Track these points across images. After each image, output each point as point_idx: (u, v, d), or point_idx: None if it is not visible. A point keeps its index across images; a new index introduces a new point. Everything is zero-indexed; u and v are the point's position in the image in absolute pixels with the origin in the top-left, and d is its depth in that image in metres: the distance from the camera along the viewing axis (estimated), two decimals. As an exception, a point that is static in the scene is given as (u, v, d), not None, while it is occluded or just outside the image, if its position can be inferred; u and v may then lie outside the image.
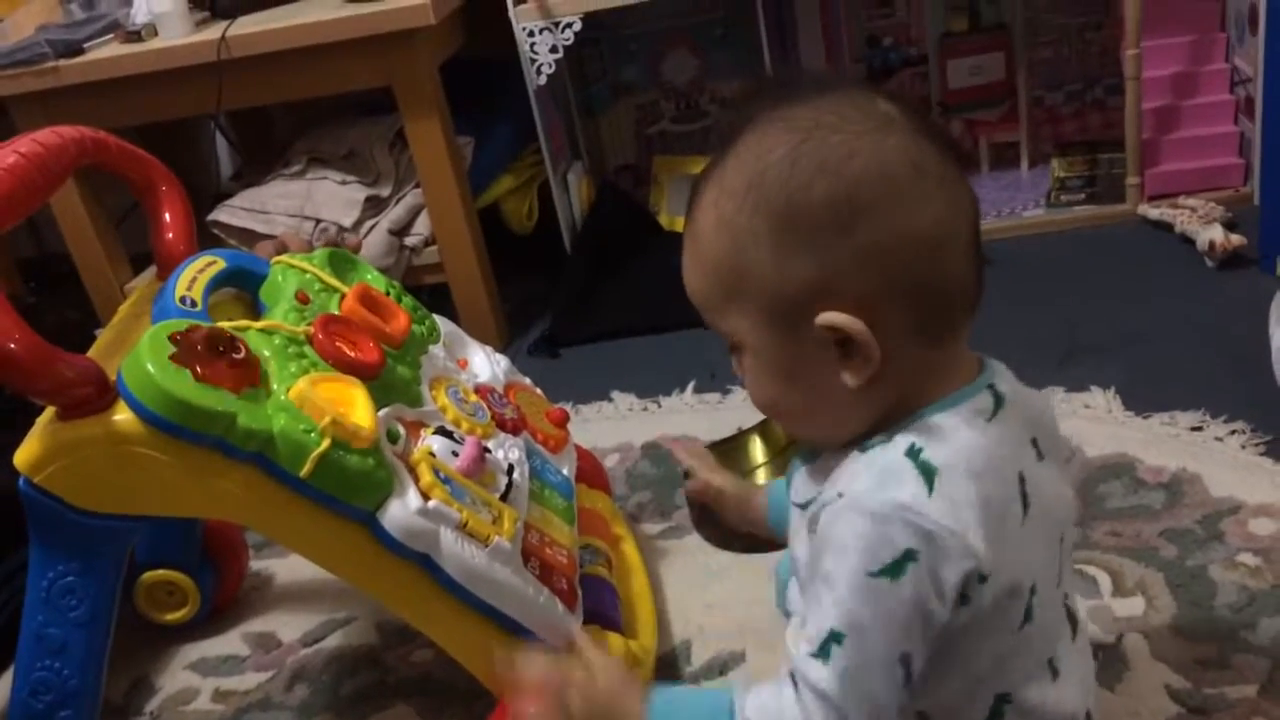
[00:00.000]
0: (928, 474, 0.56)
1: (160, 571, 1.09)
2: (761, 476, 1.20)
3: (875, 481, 0.56)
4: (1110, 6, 1.71)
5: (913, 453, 0.57)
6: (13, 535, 0.93)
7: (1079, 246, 1.57)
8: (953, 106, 1.84)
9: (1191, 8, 1.57)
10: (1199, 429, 1.13)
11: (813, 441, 0.64)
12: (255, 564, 1.21)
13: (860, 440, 0.59)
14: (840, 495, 0.57)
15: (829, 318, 0.56)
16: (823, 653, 0.56)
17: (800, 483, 0.64)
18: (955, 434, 0.58)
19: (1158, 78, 1.56)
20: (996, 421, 0.59)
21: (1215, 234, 1.42)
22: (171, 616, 1.11)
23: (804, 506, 0.62)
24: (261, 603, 1.17)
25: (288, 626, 1.12)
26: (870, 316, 0.56)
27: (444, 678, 1.00)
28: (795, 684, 0.58)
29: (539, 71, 1.58)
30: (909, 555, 0.54)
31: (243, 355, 0.72)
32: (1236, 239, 1.41)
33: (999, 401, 0.60)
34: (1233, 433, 1.11)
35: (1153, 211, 1.56)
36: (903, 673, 0.57)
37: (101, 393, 0.70)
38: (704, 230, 0.59)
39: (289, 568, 1.21)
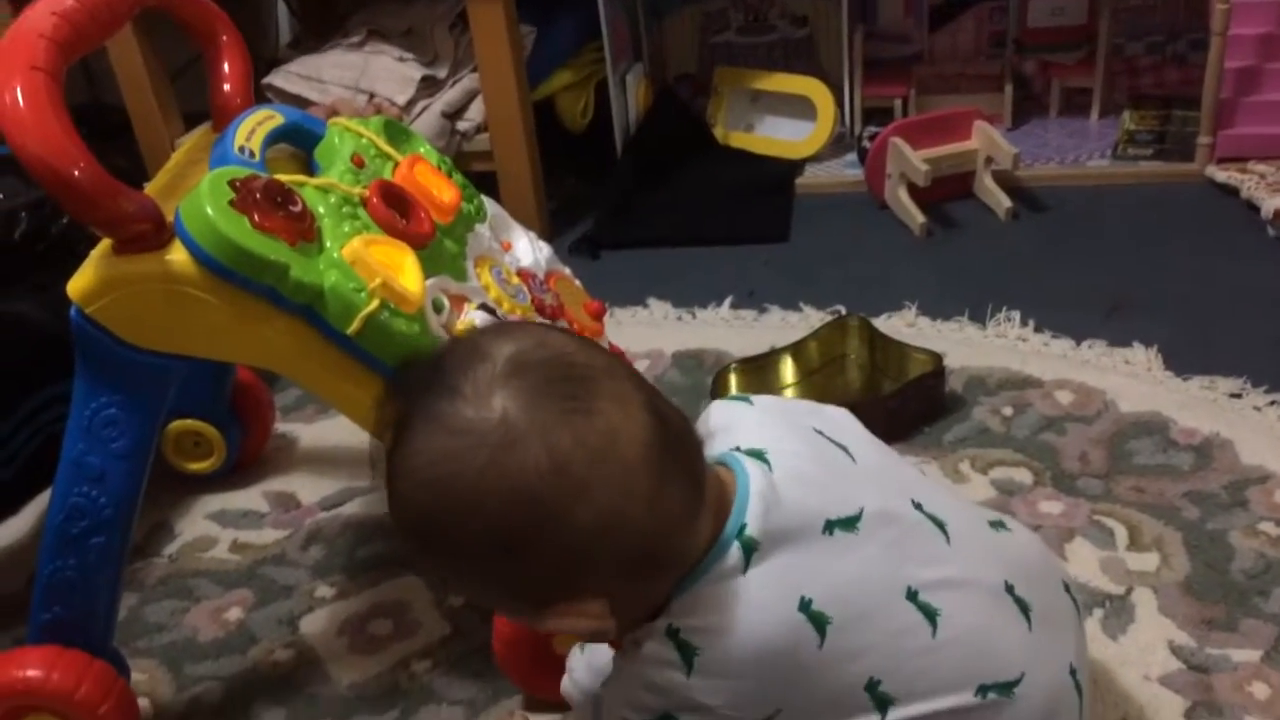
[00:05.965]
0: (687, 655, 0.56)
1: (188, 421, 1.11)
2: (790, 394, 1.21)
3: (642, 663, 0.58)
4: (1205, -43, 1.65)
5: (671, 633, 0.57)
6: (51, 369, 0.96)
7: (1140, 202, 1.54)
8: (1029, 46, 1.78)
9: (1291, -35, 1.51)
10: (1238, 395, 1.11)
11: None
12: (281, 427, 1.24)
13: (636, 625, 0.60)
14: (619, 661, 0.61)
15: (552, 625, 0.57)
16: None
17: None
18: (711, 605, 0.57)
19: (1245, 36, 1.50)
20: (756, 566, 0.57)
21: (1282, 203, 1.39)
22: (196, 466, 1.14)
23: None
24: (284, 464, 1.19)
25: (308, 489, 1.14)
26: (590, 599, 0.55)
27: (458, 554, 1.02)
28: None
29: (609, -35, 1.54)
30: (666, 716, 0.58)
31: (299, 209, 0.72)
32: (1304, 210, 1.38)
33: (749, 548, 0.57)
34: (1272, 403, 1.10)
35: (1220, 174, 1.52)
36: None
37: (158, 230, 0.70)
38: (414, 550, 0.58)
39: (313, 433, 1.23)
